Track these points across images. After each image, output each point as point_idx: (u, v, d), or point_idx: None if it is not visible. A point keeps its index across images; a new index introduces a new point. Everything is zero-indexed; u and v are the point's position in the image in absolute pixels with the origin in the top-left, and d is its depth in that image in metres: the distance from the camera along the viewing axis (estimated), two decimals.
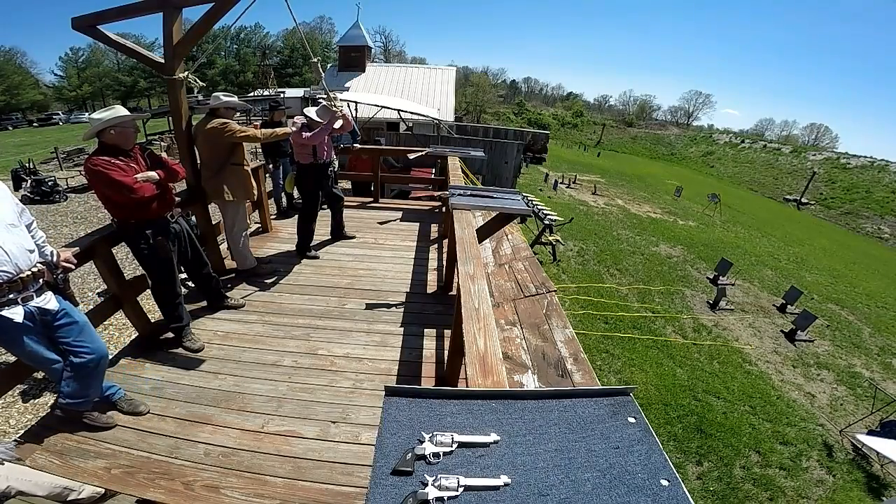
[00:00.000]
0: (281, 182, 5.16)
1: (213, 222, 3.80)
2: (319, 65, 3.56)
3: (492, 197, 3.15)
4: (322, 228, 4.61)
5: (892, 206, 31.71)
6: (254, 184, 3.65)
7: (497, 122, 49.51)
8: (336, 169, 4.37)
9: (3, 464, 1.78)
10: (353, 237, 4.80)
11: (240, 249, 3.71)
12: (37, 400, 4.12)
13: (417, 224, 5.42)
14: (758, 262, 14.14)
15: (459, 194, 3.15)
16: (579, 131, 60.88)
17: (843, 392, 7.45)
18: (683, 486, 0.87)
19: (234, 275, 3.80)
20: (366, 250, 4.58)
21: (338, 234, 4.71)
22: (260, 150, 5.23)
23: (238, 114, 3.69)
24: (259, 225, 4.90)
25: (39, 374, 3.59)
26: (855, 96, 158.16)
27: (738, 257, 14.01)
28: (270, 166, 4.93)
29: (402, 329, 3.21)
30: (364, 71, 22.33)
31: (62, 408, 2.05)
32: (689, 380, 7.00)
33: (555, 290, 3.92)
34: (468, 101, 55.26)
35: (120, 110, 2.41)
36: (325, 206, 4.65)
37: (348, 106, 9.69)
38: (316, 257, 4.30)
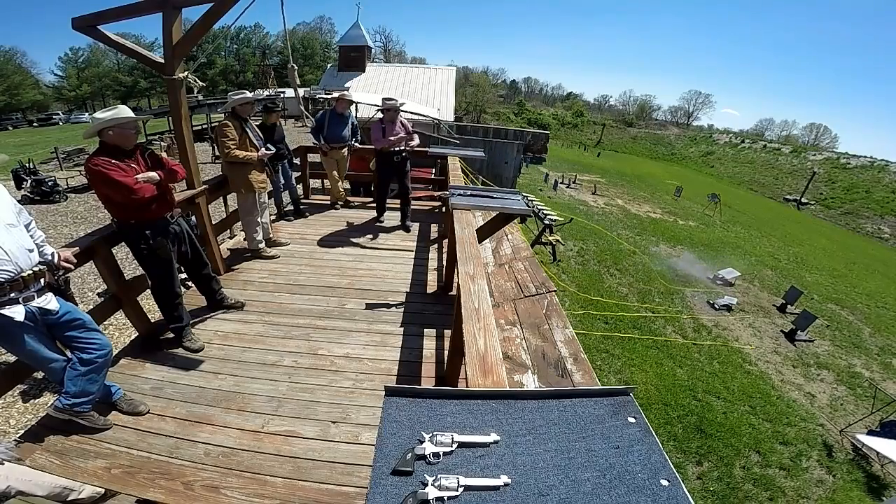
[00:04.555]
0: (280, 186, 5.15)
1: (214, 222, 3.82)
2: (296, 72, 3.71)
3: (492, 197, 3.15)
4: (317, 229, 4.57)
5: (892, 206, 31.70)
6: (259, 178, 3.94)
7: (497, 122, 49.48)
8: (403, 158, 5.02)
9: (3, 464, 1.78)
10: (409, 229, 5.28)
11: (248, 232, 4.18)
12: (37, 400, 4.12)
13: (417, 224, 5.42)
14: (758, 262, 14.15)
15: (459, 194, 3.15)
16: (579, 131, 60.87)
17: (843, 392, 7.45)
18: (683, 486, 0.87)
19: (249, 254, 4.27)
20: (366, 250, 4.58)
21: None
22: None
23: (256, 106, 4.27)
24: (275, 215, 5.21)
25: (39, 374, 3.59)
26: (855, 96, 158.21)
27: (738, 257, 14.02)
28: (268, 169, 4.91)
29: (402, 329, 3.21)
30: (364, 71, 22.34)
31: (63, 409, 2.05)
32: (689, 380, 7.01)
33: (555, 290, 3.92)
34: (468, 101, 55.24)
35: (122, 111, 2.41)
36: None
37: None
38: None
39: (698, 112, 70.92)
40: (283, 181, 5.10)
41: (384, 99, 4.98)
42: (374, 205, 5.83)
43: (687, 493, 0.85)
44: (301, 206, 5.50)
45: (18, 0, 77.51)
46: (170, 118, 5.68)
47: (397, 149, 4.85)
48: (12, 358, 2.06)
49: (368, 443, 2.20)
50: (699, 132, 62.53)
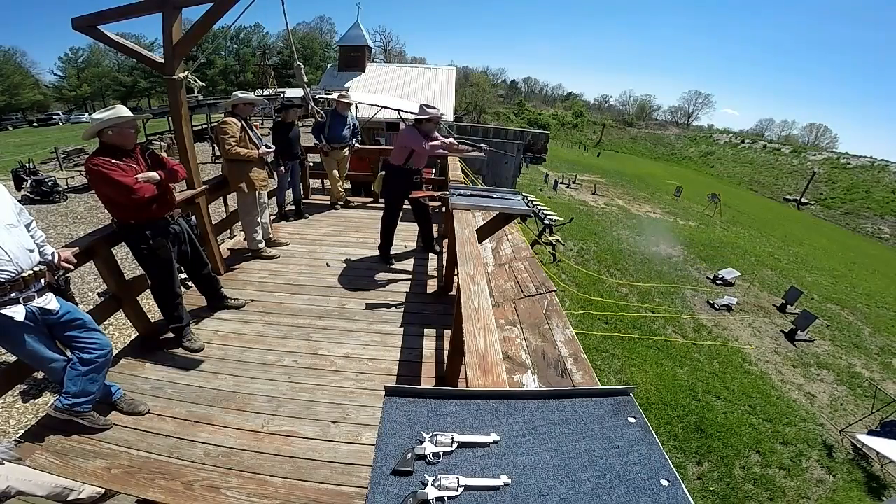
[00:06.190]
0: (286, 184, 5.15)
1: (214, 222, 3.83)
2: (303, 70, 3.69)
3: (492, 197, 3.15)
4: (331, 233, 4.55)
5: (892, 206, 31.71)
6: (259, 176, 3.95)
7: (497, 122, 49.47)
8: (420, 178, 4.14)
9: (3, 464, 1.78)
10: (438, 251, 4.54)
11: (248, 232, 4.17)
12: (37, 400, 4.12)
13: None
14: (758, 262, 14.14)
15: (459, 194, 3.15)
16: (579, 131, 60.90)
17: (843, 392, 7.45)
18: (683, 486, 0.87)
19: (249, 253, 4.25)
20: (366, 250, 4.58)
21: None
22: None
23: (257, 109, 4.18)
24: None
25: (39, 374, 3.60)
26: (855, 96, 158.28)
27: (738, 257, 14.02)
28: (282, 168, 4.91)
29: (402, 329, 3.21)
30: (364, 71, 22.32)
31: (63, 409, 2.05)
32: (689, 380, 7.01)
33: (555, 290, 3.92)
34: (468, 101, 55.28)
35: (121, 110, 2.41)
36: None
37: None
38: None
39: (698, 112, 71.08)
40: (289, 179, 5.12)
41: (423, 106, 3.80)
42: (375, 205, 5.81)
43: (687, 493, 0.85)
44: (301, 206, 5.51)
45: (18, 0, 77.58)
46: (170, 118, 5.67)
47: (416, 166, 3.99)
48: (12, 358, 2.06)
49: (368, 443, 2.20)
50: (699, 132, 62.57)
